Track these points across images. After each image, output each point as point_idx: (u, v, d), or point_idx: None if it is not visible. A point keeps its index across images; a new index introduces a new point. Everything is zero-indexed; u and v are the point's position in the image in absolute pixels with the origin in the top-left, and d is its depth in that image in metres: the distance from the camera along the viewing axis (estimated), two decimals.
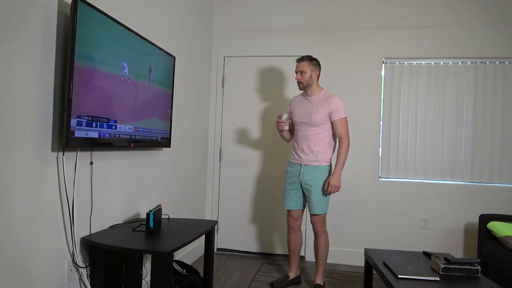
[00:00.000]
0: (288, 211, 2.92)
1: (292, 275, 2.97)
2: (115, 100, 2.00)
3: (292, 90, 3.69)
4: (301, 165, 2.80)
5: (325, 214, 2.82)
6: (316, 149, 2.77)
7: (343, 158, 2.73)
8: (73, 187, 1.81)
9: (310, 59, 2.81)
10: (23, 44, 1.52)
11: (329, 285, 2.98)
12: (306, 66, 2.77)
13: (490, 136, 3.45)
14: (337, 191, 2.74)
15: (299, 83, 2.81)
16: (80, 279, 1.89)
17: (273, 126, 3.74)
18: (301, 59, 2.81)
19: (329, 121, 2.78)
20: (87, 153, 1.94)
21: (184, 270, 2.65)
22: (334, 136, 2.83)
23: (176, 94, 2.97)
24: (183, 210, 3.25)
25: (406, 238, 3.53)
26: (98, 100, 1.85)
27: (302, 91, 2.91)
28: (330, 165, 2.84)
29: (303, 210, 2.94)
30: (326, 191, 2.73)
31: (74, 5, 1.65)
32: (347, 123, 2.78)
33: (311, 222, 2.84)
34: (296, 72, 2.81)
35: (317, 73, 2.82)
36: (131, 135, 2.19)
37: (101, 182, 2.07)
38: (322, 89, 2.86)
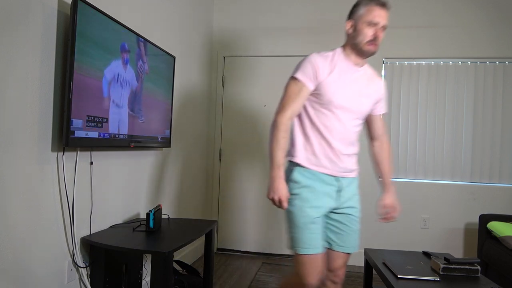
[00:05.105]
0: (314, 256, 1.67)
1: None
2: (117, 85, 2.00)
3: None
4: (338, 178, 1.73)
5: None
6: (355, 152, 1.81)
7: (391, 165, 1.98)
8: (73, 187, 1.81)
9: None
10: (23, 44, 1.52)
11: None
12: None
13: (490, 136, 3.45)
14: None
15: (372, 43, 1.66)
16: (80, 279, 1.89)
17: None
18: (385, 4, 1.67)
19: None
20: (87, 153, 1.94)
21: (184, 270, 2.65)
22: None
23: (176, 94, 2.97)
24: (183, 210, 3.25)
25: (406, 238, 3.53)
26: (98, 100, 1.85)
27: (340, 53, 1.77)
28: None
29: None
30: (384, 219, 1.93)
31: (74, 5, 1.65)
32: None
33: (335, 268, 1.85)
34: (373, 24, 1.65)
35: None
36: (131, 135, 2.19)
37: (101, 182, 2.07)
38: None
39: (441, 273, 1.93)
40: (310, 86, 1.67)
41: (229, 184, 3.84)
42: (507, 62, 3.43)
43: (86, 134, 1.77)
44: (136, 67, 2.21)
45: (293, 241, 1.69)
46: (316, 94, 1.68)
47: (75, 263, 1.85)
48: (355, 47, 1.72)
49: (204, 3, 3.61)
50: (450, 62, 3.52)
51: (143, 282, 2.37)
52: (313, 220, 1.67)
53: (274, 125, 1.69)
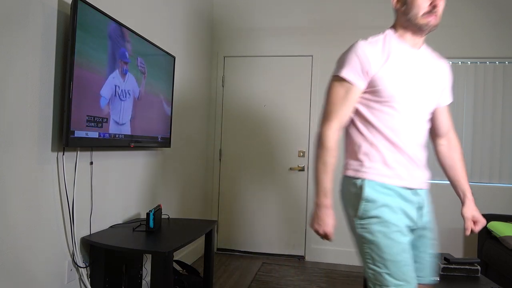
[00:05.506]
0: None
1: None
2: (116, 100, 2.00)
3: (291, 91, 3.69)
4: (416, 191, 1.39)
5: None
6: (425, 156, 1.46)
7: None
8: (73, 187, 1.81)
9: None
10: (23, 44, 1.52)
11: (329, 285, 2.98)
12: None
13: (490, 136, 3.45)
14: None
15: (430, 14, 1.31)
16: (80, 279, 1.89)
17: (273, 126, 3.74)
18: None
19: None
20: (87, 153, 1.94)
21: (184, 270, 2.65)
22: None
23: (176, 94, 2.97)
24: (183, 210, 3.25)
25: None
26: (98, 100, 1.85)
27: (392, 35, 1.39)
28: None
29: None
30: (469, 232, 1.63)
31: (74, 5, 1.65)
32: None
33: None
34: None
35: None
36: (131, 135, 2.19)
37: (101, 182, 2.07)
38: None
39: (441, 273, 1.94)
40: (361, 85, 1.34)
41: (229, 184, 3.84)
42: (507, 62, 3.43)
43: (86, 134, 1.77)
44: (137, 66, 2.21)
45: (382, 279, 1.29)
46: (372, 91, 1.35)
47: (75, 263, 1.85)
48: (409, 24, 1.35)
49: (204, 3, 3.61)
50: (450, 62, 3.52)
51: (143, 282, 2.37)
52: (404, 247, 1.29)
53: (319, 142, 1.37)
